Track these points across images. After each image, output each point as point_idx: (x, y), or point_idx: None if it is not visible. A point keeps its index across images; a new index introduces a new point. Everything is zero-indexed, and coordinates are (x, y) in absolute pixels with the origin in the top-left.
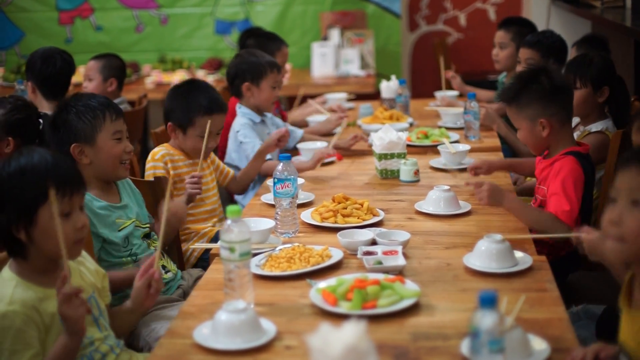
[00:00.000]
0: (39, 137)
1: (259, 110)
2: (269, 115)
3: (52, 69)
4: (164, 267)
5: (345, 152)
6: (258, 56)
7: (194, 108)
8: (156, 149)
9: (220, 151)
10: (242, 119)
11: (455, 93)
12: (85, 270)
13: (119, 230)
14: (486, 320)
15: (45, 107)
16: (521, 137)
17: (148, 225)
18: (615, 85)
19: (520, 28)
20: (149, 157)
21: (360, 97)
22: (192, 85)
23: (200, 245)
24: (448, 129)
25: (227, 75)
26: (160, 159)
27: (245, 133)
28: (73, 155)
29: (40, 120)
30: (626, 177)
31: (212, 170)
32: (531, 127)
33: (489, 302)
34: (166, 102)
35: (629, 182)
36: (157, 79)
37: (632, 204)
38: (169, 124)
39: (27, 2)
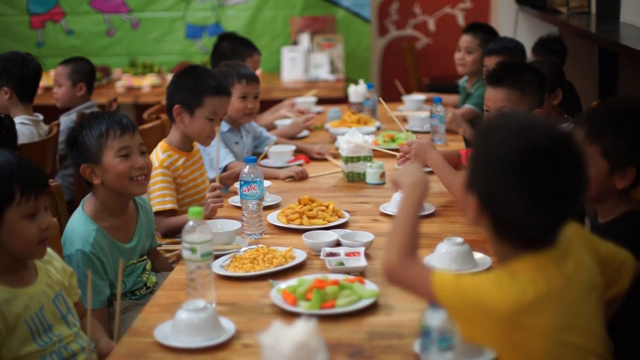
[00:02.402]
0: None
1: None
2: (252, 124)
3: (29, 71)
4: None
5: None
6: (230, 66)
7: (202, 88)
8: (161, 154)
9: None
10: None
11: (422, 97)
12: (52, 269)
13: (127, 266)
14: (435, 318)
15: (21, 110)
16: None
17: (145, 258)
18: (565, 88)
19: (486, 35)
20: (156, 163)
21: (329, 101)
22: (198, 69)
23: (168, 247)
24: (414, 132)
25: None
26: (169, 166)
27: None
28: (85, 176)
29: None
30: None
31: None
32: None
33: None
34: (170, 87)
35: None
36: (127, 83)
37: None
38: (176, 106)
39: None
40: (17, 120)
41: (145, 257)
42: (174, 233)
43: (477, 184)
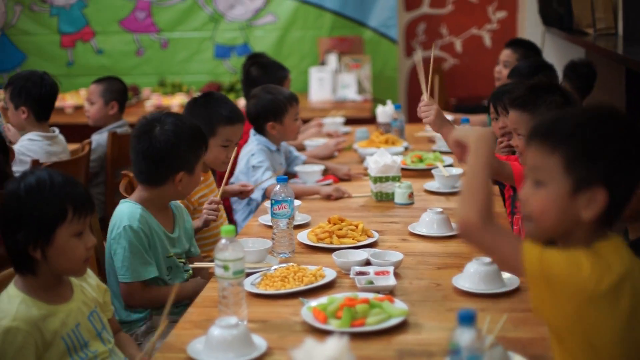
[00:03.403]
0: None
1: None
2: (283, 144)
3: (46, 90)
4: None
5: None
6: (275, 93)
7: (215, 118)
8: None
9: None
10: (258, 145)
11: (449, 118)
12: (87, 286)
13: (167, 257)
14: (465, 337)
15: (37, 128)
16: (521, 144)
17: (183, 259)
18: None
19: (527, 51)
20: None
21: (357, 121)
22: (211, 97)
23: (198, 265)
24: (442, 152)
25: (248, 115)
26: None
27: (259, 158)
28: (175, 181)
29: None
30: (529, 155)
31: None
32: None
33: (467, 319)
34: (188, 112)
35: (531, 160)
36: (156, 102)
37: (535, 184)
38: None
39: (29, 25)
40: (26, 137)
41: (185, 260)
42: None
43: (607, 173)
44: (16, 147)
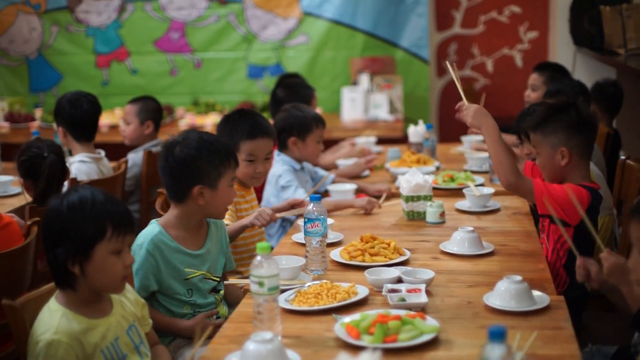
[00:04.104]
0: (45, 173)
1: (298, 159)
2: (306, 165)
3: (80, 112)
4: (217, 316)
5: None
6: (304, 111)
7: (238, 134)
8: None
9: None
10: (283, 165)
11: (480, 137)
12: (126, 300)
13: (185, 279)
14: (495, 353)
15: (78, 149)
16: (539, 163)
17: (219, 278)
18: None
19: (553, 73)
20: None
21: (389, 141)
22: (239, 113)
23: (233, 281)
24: (473, 172)
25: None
26: None
27: (287, 178)
28: (193, 195)
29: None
30: (634, 228)
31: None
32: (551, 154)
33: (497, 336)
34: (217, 132)
35: (635, 232)
36: (190, 122)
37: None
38: None
39: (65, 46)
40: (76, 158)
41: (218, 278)
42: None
43: None
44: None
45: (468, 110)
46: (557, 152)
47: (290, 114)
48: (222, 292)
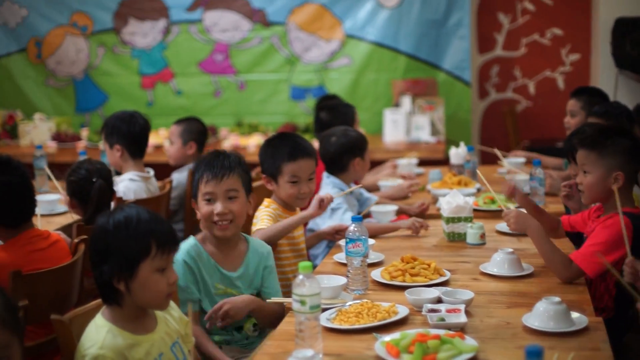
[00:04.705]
0: (94, 199)
1: (353, 179)
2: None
3: (137, 128)
4: (255, 325)
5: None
6: (356, 131)
7: (279, 156)
8: (266, 202)
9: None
10: (333, 188)
11: (522, 160)
12: (170, 318)
13: (215, 295)
14: None
15: (132, 166)
16: (586, 182)
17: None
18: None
19: (590, 97)
20: (261, 207)
21: (430, 162)
22: (279, 136)
23: (275, 300)
24: None
25: (329, 154)
26: (272, 210)
27: (337, 200)
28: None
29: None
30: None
31: None
32: (604, 176)
33: (534, 355)
34: (259, 156)
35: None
36: (234, 142)
37: None
38: (263, 177)
39: (111, 67)
40: (126, 176)
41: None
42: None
43: None
44: (118, 186)
45: (509, 216)
46: (611, 175)
47: (348, 136)
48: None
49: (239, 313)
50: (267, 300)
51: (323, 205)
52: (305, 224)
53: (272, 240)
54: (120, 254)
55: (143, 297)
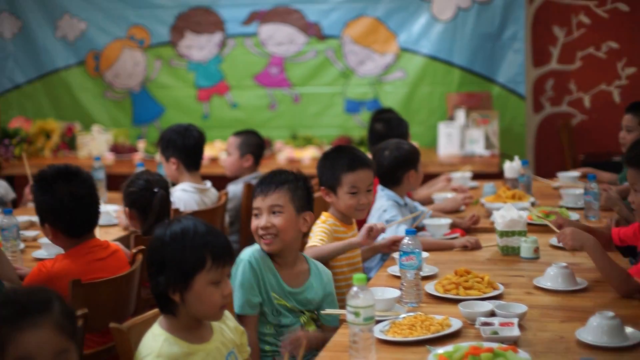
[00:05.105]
0: (155, 208)
1: (407, 192)
2: (407, 199)
3: (192, 141)
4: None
5: (468, 229)
6: (409, 144)
7: (338, 167)
8: (323, 217)
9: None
10: (388, 200)
11: (576, 174)
12: (226, 328)
13: (277, 303)
14: None
15: (187, 179)
16: (637, 200)
17: (314, 312)
18: None
19: None
20: (318, 221)
21: (484, 176)
22: (337, 149)
23: (330, 311)
24: (569, 208)
25: (384, 167)
26: (329, 226)
27: (392, 213)
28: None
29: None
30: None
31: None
32: None
33: None
34: (317, 170)
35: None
36: (288, 155)
37: None
38: (322, 188)
39: (168, 80)
40: (179, 187)
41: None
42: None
43: None
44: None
45: (564, 235)
46: None
47: (401, 149)
48: (307, 313)
49: (312, 346)
50: (322, 312)
51: (372, 235)
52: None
53: (321, 261)
54: (176, 266)
55: (197, 309)
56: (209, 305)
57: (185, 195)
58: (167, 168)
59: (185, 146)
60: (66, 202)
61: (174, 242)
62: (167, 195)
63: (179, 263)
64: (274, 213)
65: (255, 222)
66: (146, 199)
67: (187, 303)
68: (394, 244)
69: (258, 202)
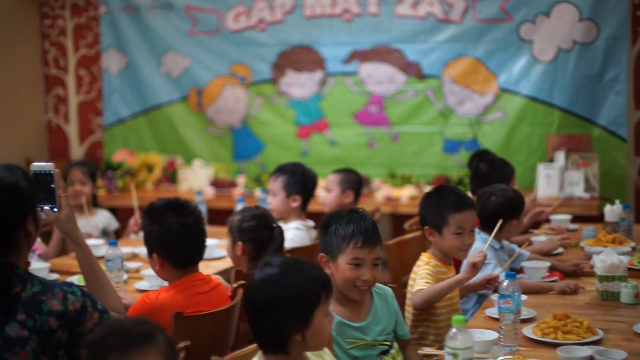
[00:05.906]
0: (274, 244)
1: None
2: (505, 242)
3: (314, 182)
4: None
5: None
6: (515, 191)
7: (444, 207)
8: (425, 258)
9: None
10: (482, 244)
11: None
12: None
13: (349, 349)
14: None
15: (297, 215)
16: None
17: (388, 341)
18: None
19: None
20: (420, 263)
21: (583, 219)
22: (441, 189)
23: (428, 351)
24: None
25: (487, 211)
26: (432, 267)
27: (488, 255)
28: (319, 263)
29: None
30: None
31: None
32: None
33: None
34: (420, 209)
35: None
36: (386, 194)
37: None
38: (426, 227)
39: (268, 116)
40: (292, 225)
41: (388, 343)
42: None
43: None
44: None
45: None
46: None
47: (507, 197)
48: (392, 351)
49: None
50: (420, 352)
51: (477, 267)
52: None
53: (430, 304)
54: (301, 305)
55: (315, 342)
56: (325, 336)
57: (300, 233)
58: (283, 203)
59: (310, 187)
60: (175, 232)
61: (290, 281)
62: (282, 231)
63: (302, 302)
64: (375, 265)
65: (356, 273)
66: (264, 235)
67: (307, 340)
68: (488, 282)
69: (363, 254)
